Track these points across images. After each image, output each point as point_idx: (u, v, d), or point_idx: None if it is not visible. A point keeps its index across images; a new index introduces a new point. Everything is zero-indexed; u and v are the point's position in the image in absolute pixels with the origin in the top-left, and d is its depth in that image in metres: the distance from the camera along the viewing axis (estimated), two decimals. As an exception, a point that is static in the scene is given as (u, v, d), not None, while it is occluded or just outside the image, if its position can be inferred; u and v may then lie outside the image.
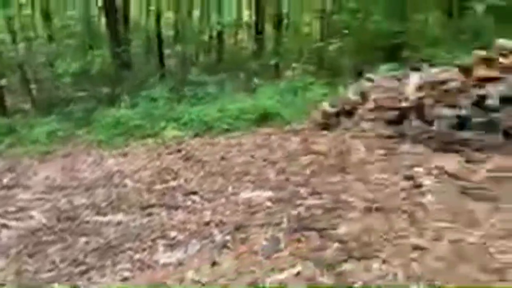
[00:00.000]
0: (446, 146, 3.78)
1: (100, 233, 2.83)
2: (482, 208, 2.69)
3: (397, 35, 7.25)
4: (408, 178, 3.30)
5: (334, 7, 9.42)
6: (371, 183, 3.25)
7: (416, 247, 2.32)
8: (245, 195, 3.21)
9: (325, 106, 5.09)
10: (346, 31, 8.81)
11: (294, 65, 8.87)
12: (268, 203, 3.03)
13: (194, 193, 3.32)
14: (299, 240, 2.52)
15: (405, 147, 3.94)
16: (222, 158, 4.17)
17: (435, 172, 3.36)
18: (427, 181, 3.16)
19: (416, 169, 3.45)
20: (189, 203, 3.16)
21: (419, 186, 3.10)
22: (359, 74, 5.91)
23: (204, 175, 3.71)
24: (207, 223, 2.77)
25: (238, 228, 2.69)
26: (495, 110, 3.61)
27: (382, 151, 3.92)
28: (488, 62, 3.88)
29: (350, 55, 7.93)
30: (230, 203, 3.09)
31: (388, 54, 7.08)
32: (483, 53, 3.91)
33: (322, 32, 11.45)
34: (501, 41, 3.93)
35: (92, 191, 3.63)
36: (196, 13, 13.20)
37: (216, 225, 2.73)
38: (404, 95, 4.51)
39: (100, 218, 3.06)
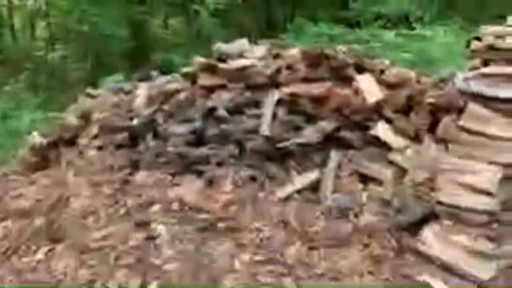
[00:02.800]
0: (185, 168, 3.26)
1: None
2: (224, 251, 2.22)
3: (128, 40, 6.52)
4: (141, 225, 2.56)
5: (47, 9, 7.78)
6: (91, 250, 2.32)
7: None
8: None
9: (35, 137, 3.78)
10: (73, 35, 7.45)
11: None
12: None
13: None
14: None
15: (140, 177, 3.20)
16: None
17: (174, 207, 2.75)
18: (162, 227, 2.49)
19: (152, 208, 2.76)
20: None
21: (152, 237, 2.40)
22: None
23: None
24: None
25: None
26: (225, 120, 3.32)
27: (111, 190, 3.04)
28: (211, 68, 3.58)
29: (77, 65, 6.66)
30: None
31: (122, 62, 6.26)
32: (202, 59, 3.57)
33: (49, 38, 9.60)
34: (220, 46, 3.69)
35: None
36: None
37: None
38: (134, 112, 3.76)
39: None
